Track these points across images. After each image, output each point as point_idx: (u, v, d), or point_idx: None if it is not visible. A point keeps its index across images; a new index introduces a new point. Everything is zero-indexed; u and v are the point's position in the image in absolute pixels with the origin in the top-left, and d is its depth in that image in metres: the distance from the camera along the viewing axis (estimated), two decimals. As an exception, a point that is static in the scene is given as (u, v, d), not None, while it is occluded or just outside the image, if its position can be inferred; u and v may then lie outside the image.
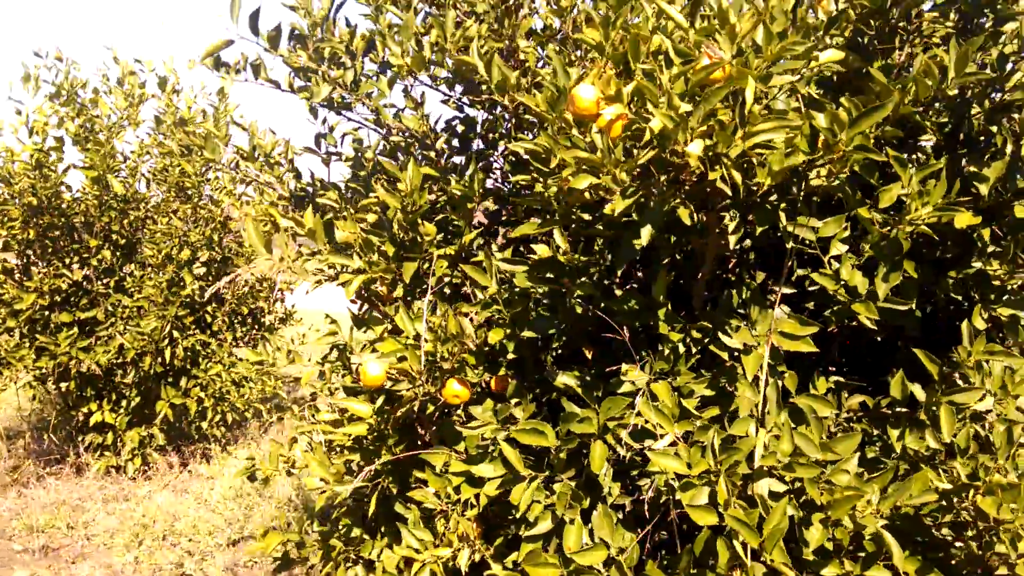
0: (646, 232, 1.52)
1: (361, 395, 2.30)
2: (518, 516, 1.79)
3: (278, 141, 3.02)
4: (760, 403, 1.80)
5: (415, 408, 1.94)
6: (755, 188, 1.48)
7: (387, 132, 2.48)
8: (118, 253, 5.52)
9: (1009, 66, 1.79)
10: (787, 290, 2.04)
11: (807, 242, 1.91)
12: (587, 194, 1.46)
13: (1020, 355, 1.97)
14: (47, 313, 5.27)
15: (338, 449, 2.39)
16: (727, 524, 1.51)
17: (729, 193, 1.39)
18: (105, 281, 5.47)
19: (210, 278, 5.91)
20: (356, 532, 2.46)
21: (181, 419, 6.00)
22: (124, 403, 5.45)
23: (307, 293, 2.52)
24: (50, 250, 5.30)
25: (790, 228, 1.84)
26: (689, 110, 1.31)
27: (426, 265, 2.09)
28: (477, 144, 2.66)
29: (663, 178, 1.44)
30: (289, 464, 2.59)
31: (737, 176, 1.41)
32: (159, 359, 5.33)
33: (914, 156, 2.05)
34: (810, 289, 2.10)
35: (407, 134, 2.44)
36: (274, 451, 2.61)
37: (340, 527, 2.49)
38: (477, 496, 1.92)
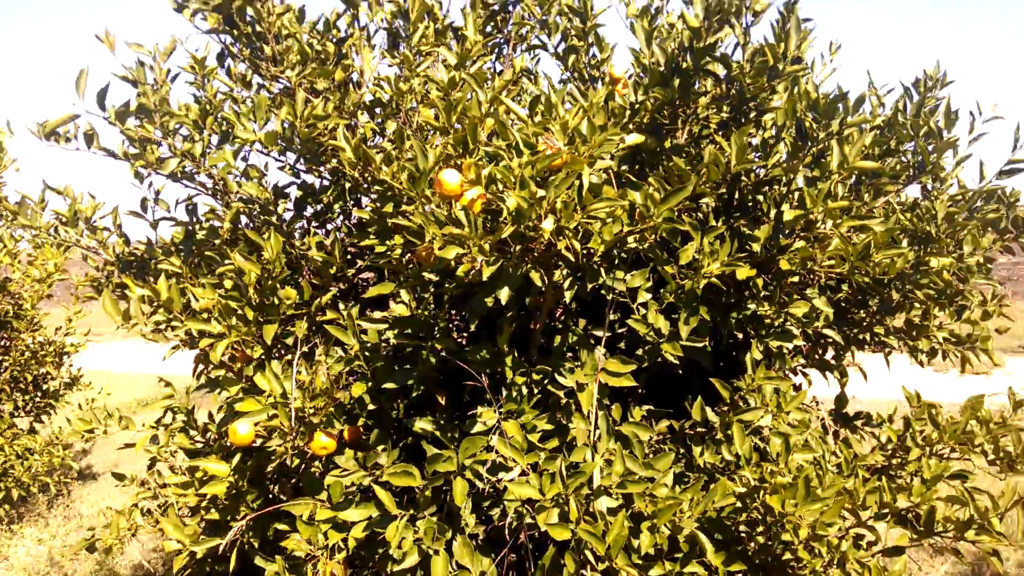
0: (504, 293, 1.77)
1: (212, 455, 2.35)
2: (388, 553, 1.96)
3: (98, 204, 2.98)
4: (592, 433, 2.10)
5: (284, 461, 2.04)
6: (589, 253, 1.78)
7: (227, 198, 2.57)
8: None
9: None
10: (599, 333, 2.37)
11: (622, 293, 2.26)
12: (453, 262, 1.69)
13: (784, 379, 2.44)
14: None
15: (189, 511, 2.41)
16: (580, 537, 1.78)
17: (571, 258, 1.68)
18: None
19: (-14, 344, 5.45)
20: (208, 594, 2.48)
21: (-44, 500, 5.43)
22: None
23: (164, 359, 2.52)
24: None
25: (608, 282, 2.17)
26: (543, 194, 1.59)
27: (284, 327, 2.21)
28: (313, 207, 2.80)
29: (517, 248, 1.71)
30: (132, 532, 2.56)
31: (577, 244, 1.71)
32: (-71, 436, 4.83)
33: (698, 217, 2.48)
34: (619, 332, 2.46)
35: (248, 199, 2.54)
36: (115, 520, 2.56)
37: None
38: (345, 540, 2.05)
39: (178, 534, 2.24)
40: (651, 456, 2.21)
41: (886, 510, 2.10)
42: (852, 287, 2.79)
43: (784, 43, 2.06)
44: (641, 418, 2.40)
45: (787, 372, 2.93)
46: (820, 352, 2.97)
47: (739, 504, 2.12)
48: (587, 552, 1.81)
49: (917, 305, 2.83)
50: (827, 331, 2.65)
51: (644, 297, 2.22)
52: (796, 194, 2.11)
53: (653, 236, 1.91)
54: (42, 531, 5.44)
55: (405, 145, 1.95)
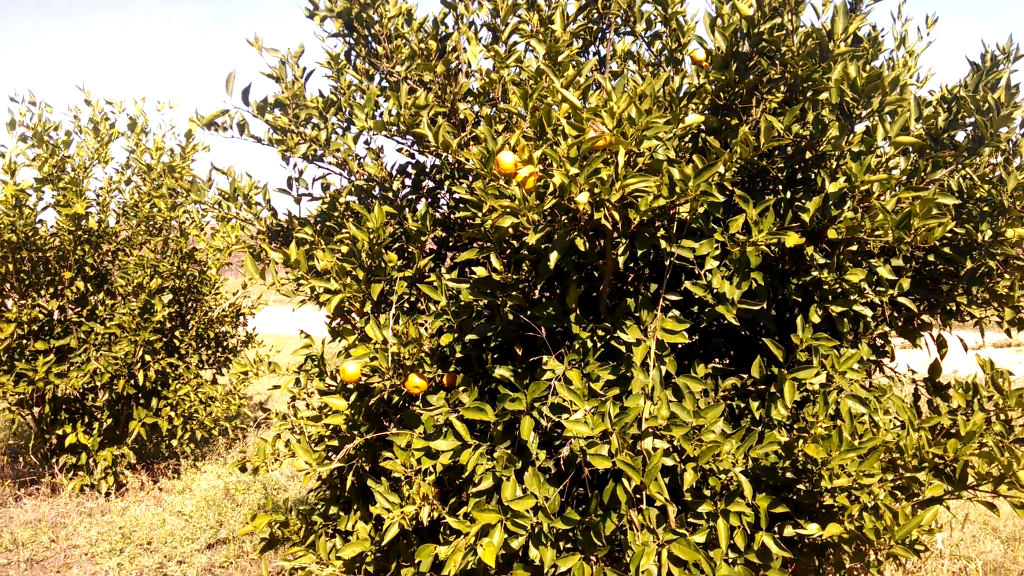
0: (554, 257, 2.07)
1: (336, 394, 2.81)
2: (466, 477, 2.33)
3: (255, 183, 3.52)
4: (650, 383, 2.36)
5: (384, 398, 2.46)
6: (631, 222, 2.05)
7: (352, 177, 3.01)
8: (90, 284, 5.91)
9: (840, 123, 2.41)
10: (674, 297, 2.61)
11: (688, 259, 2.50)
12: (510, 229, 2.02)
13: (846, 342, 2.59)
14: (24, 342, 5.64)
15: (317, 440, 2.89)
16: (618, 467, 2.07)
17: (609, 227, 1.96)
18: (78, 310, 5.86)
19: (176, 305, 6.33)
20: (333, 510, 2.96)
21: (152, 438, 6.37)
22: (96, 425, 5.82)
23: (293, 310, 3.02)
24: (26, 283, 5.67)
25: (673, 249, 2.42)
26: (576, 172, 1.88)
27: (389, 286, 2.62)
28: (427, 184, 3.21)
29: (564, 217, 2.01)
30: (275, 456, 3.08)
31: (616, 215, 1.98)
32: (131, 381, 5.72)
33: (756, 188, 2.66)
34: (697, 296, 2.70)
35: (369, 178, 2.97)
36: (261, 446, 3.09)
37: (319, 506, 2.99)
38: (434, 466, 2.45)
39: (307, 456, 2.72)
40: (704, 407, 2.45)
41: (924, 463, 2.23)
42: (937, 257, 2.86)
43: (833, 26, 2.21)
44: (705, 375, 2.62)
45: (872, 339, 3.04)
46: (902, 321, 3.05)
47: (782, 452, 2.32)
48: (625, 483, 2.10)
49: (1007, 276, 2.86)
50: (902, 299, 2.76)
51: (711, 264, 2.45)
52: (842, 167, 2.26)
53: (696, 208, 2.14)
54: (220, 468, 6.29)
55: (482, 129, 2.28)
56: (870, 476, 2.21)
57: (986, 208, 2.69)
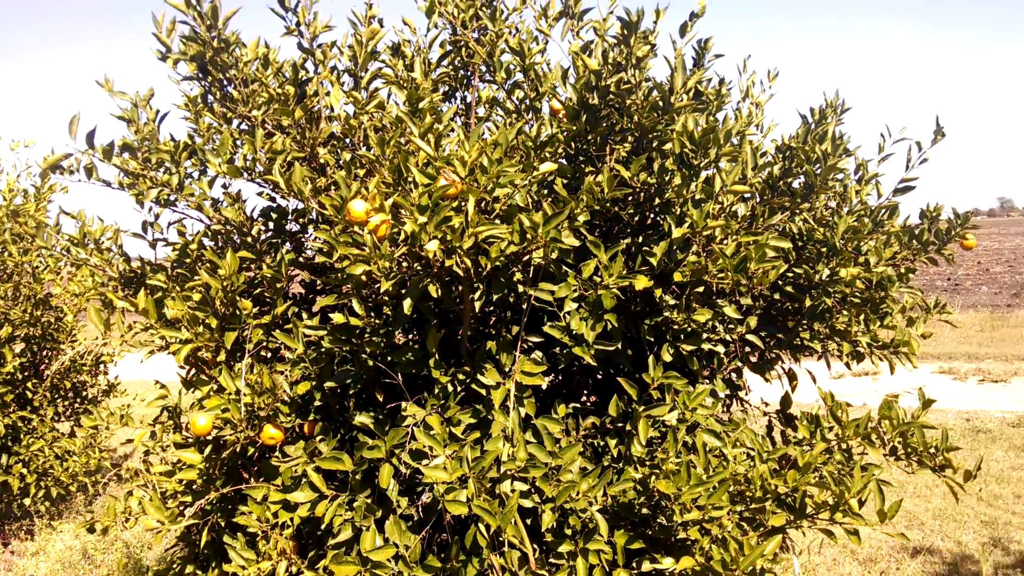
0: (407, 304, 2.08)
1: (191, 447, 2.70)
2: (324, 529, 2.27)
3: (106, 227, 3.38)
4: (510, 426, 2.39)
5: (237, 450, 2.38)
6: (483, 268, 2.08)
7: (209, 222, 2.93)
8: (-71, 333, 5.48)
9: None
10: (536, 339, 2.66)
11: (549, 302, 2.55)
12: (363, 277, 2.01)
13: (693, 379, 2.70)
14: None
15: (172, 496, 2.76)
16: (475, 512, 2.07)
17: (461, 275, 1.99)
18: (-85, 362, 5.41)
19: (29, 354, 5.94)
20: (190, 568, 2.83)
21: (2, 497, 5.92)
22: (-63, 486, 5.37)
23: (141, 362, 2.89)
24: None
25: (531, 292, 2.47)
26: (425, 221, 1.90)
27: (245, 333, 2.55)
28: (292, 227, 3.16)
29: (416, 265, 2.02)
30: (125, 515, 2.92)
31: (468, 262, 2.01)
32: (-24, 438, 5.32)
33: (608, 232, 2.76)
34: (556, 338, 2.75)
35: (227, 222, 2.90)
36: (111, 504, 2.93)
37: (175, 565, 2.85)
38: (292, 519, 2.38)
39: (159, 514, 2.59)
40: (563, 447, 2.49)
41: (768, 495, 2.34)
42: (783, 295, 3.03)
43: (672, 82, 2.34)
44: (566, 415, 2.67)
45: (727, 374, 3.18)
46: (757, 356, 3.21)
47: (639, 488, 2.39)
48: (481, 527, 2.10)
49: (845, 313, 3.06)
50: (750, 336, 2.90)
51: (570, 306, 2.50)
52: (684, 214, 2.38)
53: (549, 253, 2.20)
54: (79, 528, 5.90)
55: (338, 175, 2.28)
56: (719, 509, 2.29)
57: (823, 249, 2.88)
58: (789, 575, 4.42)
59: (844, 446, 2.76)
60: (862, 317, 3.03)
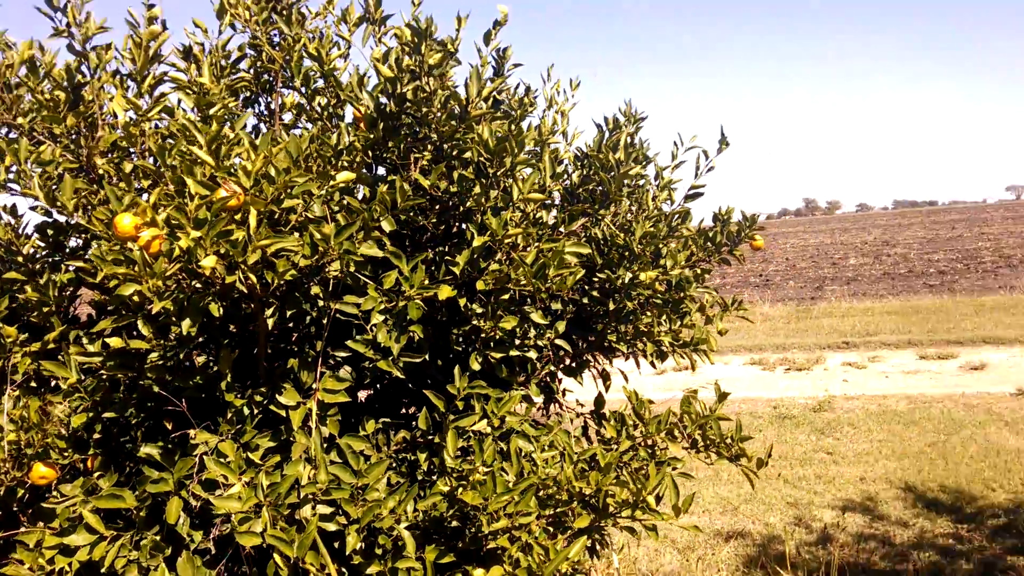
0: (185, 324, 1.94)
1: (-47, 493, 2.41)
2: (106, 573, 2.08)
3: None
4: (312, 447, 2.29)
5: (0, 494, 2.14)
6: (272, 284, 1.98)
7: (-29, 240, 2.63)
8: None
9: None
10: (344, 354, 2.57)
11: (355, 315, 2.46)
12: (135, 297, 1.86)
13: (506, 386, 2.71)
14: None
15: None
16: (269, 542, 1.96)
17: (246, 291, 1.88)
18: None
19: None
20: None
21: None
22: None
23: None
24: None
25: (334, 306, 2.38)
26: (200, 235, 1.78)
27: (12, 363, 2.31)
28: (73, 244, 2.89)
29: (195, 283, 1.89)
30: None
31: (254, 278, 1.90)
32: None
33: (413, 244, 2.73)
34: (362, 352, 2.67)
35: (-8, 240, 2.61)
36: None
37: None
38: (70, 564, 2.17)
39: (-89, 572, 2.29)
40: (370, 465, 2.42)
41: (573, 497, 2.38)
42: (589, 300, 3.10)
43: (467, 91, 2.33)
44: (375, 431, 2.60)
45: (542, 379, 3.22)
46: (570, 359, 3.28)
47: (448, 501, 2.36)
48: (277, 557, 2.00)
49: (648, 314, 3.18)
50: (559, 341, 2.94)
51: (377, 319, 2.43)
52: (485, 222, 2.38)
53: (345, 265, 2.12)
54: None
55: (108, 188, 2.10)
56: (527, 515, 2.30)
57: (625, 254, 2.97)
58: (610, 571, 4.55)
59: (649, 443, 2.86)
60: (664, 317, 3.16)
